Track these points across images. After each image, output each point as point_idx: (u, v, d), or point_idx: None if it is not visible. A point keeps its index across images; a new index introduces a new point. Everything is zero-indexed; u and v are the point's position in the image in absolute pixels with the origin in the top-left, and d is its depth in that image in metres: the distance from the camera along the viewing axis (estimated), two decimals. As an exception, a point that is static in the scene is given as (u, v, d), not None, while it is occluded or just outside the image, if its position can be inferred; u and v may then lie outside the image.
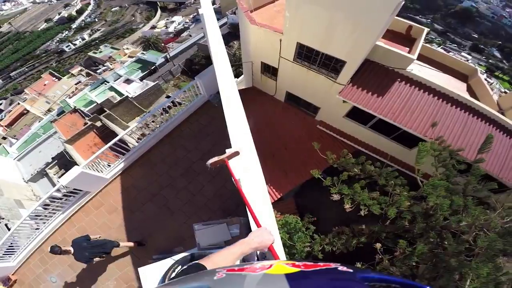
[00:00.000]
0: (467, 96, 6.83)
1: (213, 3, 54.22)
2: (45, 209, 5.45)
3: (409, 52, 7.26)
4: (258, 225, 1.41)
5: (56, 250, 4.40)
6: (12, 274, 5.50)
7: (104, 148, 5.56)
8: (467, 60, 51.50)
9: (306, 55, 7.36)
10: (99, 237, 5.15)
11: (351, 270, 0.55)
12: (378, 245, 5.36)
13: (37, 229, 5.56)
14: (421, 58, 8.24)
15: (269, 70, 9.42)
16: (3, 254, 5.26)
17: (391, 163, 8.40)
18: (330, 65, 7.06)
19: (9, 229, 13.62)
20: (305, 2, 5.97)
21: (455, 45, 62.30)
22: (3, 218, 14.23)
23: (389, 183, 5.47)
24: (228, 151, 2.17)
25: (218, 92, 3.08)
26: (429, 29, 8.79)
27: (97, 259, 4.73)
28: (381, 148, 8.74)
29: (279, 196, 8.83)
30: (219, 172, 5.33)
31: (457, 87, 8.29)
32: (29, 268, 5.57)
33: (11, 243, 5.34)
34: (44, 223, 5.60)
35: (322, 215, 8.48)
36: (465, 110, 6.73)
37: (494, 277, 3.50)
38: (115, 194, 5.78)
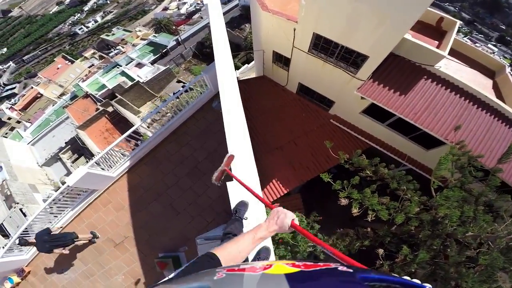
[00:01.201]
0: (494, 98, 6.20)
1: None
2: (56, 204, 5.55)
3: (438, 46, 6.57)
4: (272, 207, 1.31)
5: (22, 242, 4.88)
6: (26, 266, 5.73)
7: (118, 140, 5.51)
8: (493, 52, 48.93)
9: (323, 46, 6.75)
10: (60, 230, 5.33)
11: (351, 270, 0.55)
12: (381, 251, 5.25)
13: (49, 222, 5.67)
14: (447, 50, 7.52)
15: (281, 60, 8.89)
16: (17, 247, 5.45)
17: (406, 162, 8.03)
18: (350, 59, 6.47)
19: (23, 214, 14.41)
20: (324, -10, 5.33)
21: (482, 35, 59.35)
22: (17, 203, 14.87)
23: (401, 187, 5.25)
24: (224, 160, 2.25)
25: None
26: (461, 22, 7.96)
27: (58, 250, 5.03)
28: (396, 146, 8.29)
29: (285, 191, 8.63)
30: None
31: (483, 84, 7.63)
32: (41, 260, 5.78)
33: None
34: (56, 216, 5.70)
35: (328, 212, 8.34)
36: (491, 113, 6.15)
37: None
38: (122, 192, 5.79)
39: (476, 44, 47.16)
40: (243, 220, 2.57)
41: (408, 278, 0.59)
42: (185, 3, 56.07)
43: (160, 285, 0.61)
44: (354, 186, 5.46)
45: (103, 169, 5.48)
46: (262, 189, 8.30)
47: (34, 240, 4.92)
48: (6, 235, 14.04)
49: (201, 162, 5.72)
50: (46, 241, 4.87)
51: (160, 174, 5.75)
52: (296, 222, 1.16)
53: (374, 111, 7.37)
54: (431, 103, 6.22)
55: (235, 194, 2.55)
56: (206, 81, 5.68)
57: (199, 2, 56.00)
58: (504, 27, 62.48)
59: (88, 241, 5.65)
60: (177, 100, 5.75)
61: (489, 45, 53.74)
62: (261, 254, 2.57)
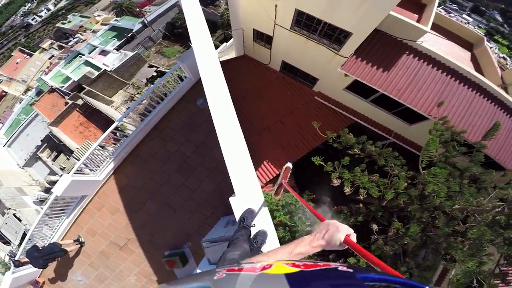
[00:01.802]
0: (475, 72, 6.30)
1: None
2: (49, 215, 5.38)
3: (418, 20, 6.50)
4: (322, 219, 1.18)
5: (16, 264, 5.03)
6: (39, 277, 5.72)
7: (98, 142, 5.19)
8: (468, 22, 49.39)
9: (305, 23, 6.46)
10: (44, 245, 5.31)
11: (351, 270, 0.55)
12: (375, 227, 5.57)
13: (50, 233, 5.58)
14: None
15: (263, 38, 8.47)
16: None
17: (392, 138, 8.30)
18: (333, 36, 6.27)
19: (18, 219, 13.93)
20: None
21: (456, 5, 58.83)
22: (9, 209, 14.40)
23: (388, 163, 5.45)
24: (281, 173, 2.12)
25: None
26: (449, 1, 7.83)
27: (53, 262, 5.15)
28: (380, 121, 8.46)
29: (277, 172, 8.74)
30: (215, 167, 5.12)
31: (461, 56, 7.77)
32: (53, 270, 5.77)
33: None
34: (51, 228, 5.57)
35: (320, 188, 8.59)
36: (473, 88, 6.27)
37: (478, 270, 3.72)
38: (113, 194, 5.65)
39: (451, 14, 47.50)
40: (251, 228, 2.54)
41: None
42: (146, -19, 51.04)
43: (161, 284, 0.62)
44: (344, 165, 5.60)
45: (91, 170, 5.26)
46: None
47: (27, 259, 4.94)
48: (7, 242, 13.92)
49: (189, 156, 5.56)
50: (38, 257, 4.89)
51: (149, 172, 5.57)
52: (353, 238, 0.97)
53: (358, 88, 7.36)
54: (413, 79, 6.26)
55: (239, 207, 2.49)
56: (184, 70, 5.29)
57: (163, -20, 51.17)
58: None
59: (78, 246, 5.65)
60: (153, 92, 5.38)
61: (464, 15, 54.19)
62: (258, 238, 2.58)
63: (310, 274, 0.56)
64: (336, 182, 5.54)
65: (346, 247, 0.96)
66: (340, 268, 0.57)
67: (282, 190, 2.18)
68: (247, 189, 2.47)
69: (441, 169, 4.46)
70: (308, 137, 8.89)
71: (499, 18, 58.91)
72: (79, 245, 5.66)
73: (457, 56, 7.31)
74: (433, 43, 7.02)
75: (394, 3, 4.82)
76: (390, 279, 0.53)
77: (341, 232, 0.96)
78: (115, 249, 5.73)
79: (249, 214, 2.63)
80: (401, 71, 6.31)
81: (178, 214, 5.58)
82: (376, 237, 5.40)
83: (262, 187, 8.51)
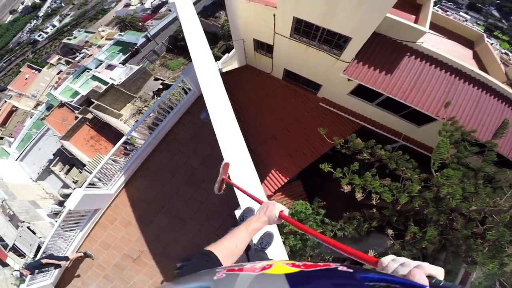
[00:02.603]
0: (479, 70, 6.23)
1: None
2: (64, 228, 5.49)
3: (415, 21, 6.51)
4: (260, 202, 1.42)
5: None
6: None
7: (110, 153, 5.30)
8: (466, 20, 48.90)
9: (304, 30, 6.55)
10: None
11: (351, 270, 0.55)
12: (390, 231, 5.43)
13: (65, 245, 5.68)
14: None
15: (263, 48, 8.61)
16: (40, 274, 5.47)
17: (401, 140, 8.18)
18: (333, 42, 6.34)
19: (32, 231, 14.24)
20: (302, -30, 5.04)
21: (452, 3, 58.33)
22: (23, 222, 14.69)
23: (400, 167, 5.35)
24: (221, 169, 2.29)
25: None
26: None
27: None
28: (388, 124, 8.39)
29: (285, 180, 8.70)
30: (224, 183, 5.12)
31: (463, 55, 7.70)
32: (67, 282, 5.84)
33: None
34: (65, 240, 5.66)
35: (331, 194, 8.42)
36: (478, 86, 6.18)
37: (500, 272, 3.65)
38: (125, 207, 5.74)
39: (448, 13, 47.12)
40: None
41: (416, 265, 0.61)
42: (148, -4, 52.78)
43: (162, 284, 0.61)
44: (354, 171, 5.52)
45: (103, 183, 5.36)
46: (262, 181, 8.33)
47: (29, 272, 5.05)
48: (22, 255, 14.15)
49: (197, 168, 5.63)
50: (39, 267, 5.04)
51: (159, 185, 5.65)
52: (286, 213, 1.22)
53: (362, 92, 7.36)
54: (417, 80, 6.22)
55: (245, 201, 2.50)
56: (187, 83, 5.42)
57: (163, -7, 52.77)
58: None
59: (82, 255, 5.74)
60: (160, 106, 5.50)
61: (461, 13, 53.84)
62: (264, 239, 2.58)
63: (310, 274, 0.56)
64: (347, 188, 5.47)
65: (283, 221, 1.19)
66: (340, 268, 0.57)
67: (224, 185, 2.27)
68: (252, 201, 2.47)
69: (454, 170, 4.38)
70: (315, 144, 8.86)
71: (497, 14, 58.01)
72: (82, 255, 5.73)
73: (459, 54, 7.23)
74: (433, 43, 6.99)
75: (390, 5, 4.84)
76: (390, 279, 0.54)
77: (276, 209, 1.20)
78: (129, 261, 5.78)
79: (249, 213, 2.63)
80: (404, 73, 6.29)
81: (189, 226, 5.61)
82: (392, 242, 5.28)
83: (271, 196, 8.46)
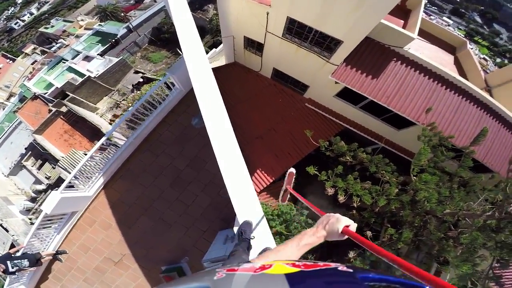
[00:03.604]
0: (460, 78, 6.50)
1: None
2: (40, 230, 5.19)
3: (404, 26, 6.68)
4: (321, 213, 1.26)
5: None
6: None
7: (90, 153, 5.04)
8: (448, 25, 50.85)
9: (297, 31, 6.50)
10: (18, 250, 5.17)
11: (351, 270, 0.55)
12: (369, 233, 5.61)
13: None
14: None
15: (254, 46, 8.46)
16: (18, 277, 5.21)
17: (381, 143, 8.44)
18: (324, 44, 6.34)
19: (5, 229, 13.31)
20: (299, -30, 4.91)
21: (436, 8, 60.83)
22: None
23: (379, 170, 5.53)
24: (285, 179, 2.26)
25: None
26: (426, 1, 8.04)
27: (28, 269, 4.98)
28: (370, 127, 8.61)
29: (271, 181, 8.72)
30: (210, 181, 5.02)
31: (445, 60, 8.00)
32: (45, 285, 5.61)
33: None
34: (42, 242, 5.33)
35: (313, 193, 8.47)
36: (459, 93, 6.46)
37: (472, 272, 3.82)
38: (105, 210, 5.50)
39: (431, 17, 49.04)
40: (250, 240, 2.49)
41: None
42: (131, -14, 50.30)
43: (161, 284, 0.61)
44: (337, 174, 5.62)
45: (80, 183, 5.04)
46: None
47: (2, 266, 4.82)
48: None
49: (183, 170, 5.45)
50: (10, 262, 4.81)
51: (140, 187, 5.42)
52: (353, 228, 1.05)
53: (347, 94, 7.47)
54: (402, 85, 6.41)
55: (242, 214, 2.41)
56: (174, 81, 5.17)
57: (149, -16, 50.59)
58: (458, 0, 64.56)
59: (53, 257, 5.51)
60: (142, 104, 5.22)
61: (444, 18, 55.84)
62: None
63: (310, 274, 0.56)
64: (330, 191, 5.57)
65: (346, 237, 1.02)
66: (340, 268, 0.57)
67: (287, 195, 2.19)
68: (247, 205, 2.41)
69: (432, 175, 4.56)
70: (300, 145, 8.92)
71: (479, 20, 61.07)
72: (54, 252, 5.48)
73: (441, 60, 7.52)
74: (417, 47, 7.20)
75: (385, 12, 4.88)
76: (390, 279, 0.53)
77: (341, 222, 1.04)
78: (110, 264, 5.59)
79: (247, 227, 2.59)
80: (389, 78, 6.45)
81: (174, 229, 5.48)
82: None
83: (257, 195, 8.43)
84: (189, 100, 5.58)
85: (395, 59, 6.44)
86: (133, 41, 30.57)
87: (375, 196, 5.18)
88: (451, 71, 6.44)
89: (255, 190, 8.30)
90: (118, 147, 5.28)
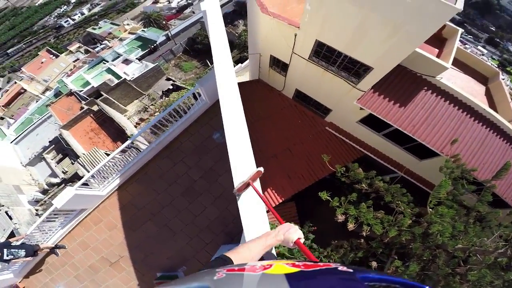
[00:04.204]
0: (490, 109, 6.20)
1: (219, -23, 50.38)
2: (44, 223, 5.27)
3: (438, 55, 6.49)
4: (282, 222, 1.43)
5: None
6: (19, 282, 5.57)
7: (114, 154, 5.14)
8: (483, 54, 50.03)
9: (324, 54, 6.46)
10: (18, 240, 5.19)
11: (351, 270, 0.55)
12: (374, 264, 5.25)
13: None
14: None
15: (279, 65, 8.58)
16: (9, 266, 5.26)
17: (401, 172, 8.03)
18: (353, 70, 6.23)
19: (9, 217, 13.78)
20: (335, -5, 4.88)
21: (471, 36, 60.28)
22: (2, 206, 14.30)
23: (395, 200, 5.25)
24: (251, 172, 2.25)
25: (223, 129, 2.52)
26: (463, 30, 7.83)
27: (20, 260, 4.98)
28: (390, 155, 8.28)
29: (280, 201, 8.50)
30: (221, 194, 4.97)
31: (476, 90, 7.67)
32: (35, 277, 5.62)
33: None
34: (44, 235, 5.41)
35: (321, 218, 8.10)
36: (487, 125, 6.17)
37: None
38: (114, 210, 5.54)
39: (466, 46, 47.99)
40: None
41: None
42: (176, -4, 54.15)
43: (161, 284, 0.57)
44: (350, 201, 5.42)
45: (96, 182, 5.14)
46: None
47: None
48: None
49: (196, 181, 5.45)
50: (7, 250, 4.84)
51: (153, 192, 5.45)
52: (302, 241, 1.22)
53: (372, 121, 7.26)
54: (429, 115, 6.15)
55: (250, 231, 2.27)
56: (201, 93, 5.30)
57: (190, -5, 54.35)
58: (494, 29, 63.65)
59: (50, 250, 5.55)
60: (169, 112, 5.34)
61: (479, 47, 54.98)
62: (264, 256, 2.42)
63: (310, 274, 0.56)
64: (341, 218, 5.36)
65: (296, 247, 1.19)
66: (340, 268, 0.57)
67: (245, 188, 2.25)
68: (255, 222, 2.30)
69: (449, 208, 4.36)
70: (315, 168, 8.71)
71: None
72: (53, 246, 5.51)
73: (472, 90, 7.23)
74: (449, 76, 6.97)
75: (421, 41, 4.71)
76: (390, 279, 0.53)
77: (297, 234, 1.20)
78: (105, 264, 5.56)
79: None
80: (418, 107, 6.21)
81: (177, 238, 5.40)
82: (375, 274, 5.11)
83: (280, 222, 8.25)
84: (212, 112, 5.66)
85: (425, 88, 6.22)
86: (170, 49, 32.24)
87: (387, 226, 4.96)
88: (481, 102, 6.20)
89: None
90: (139, 150, 5.40)
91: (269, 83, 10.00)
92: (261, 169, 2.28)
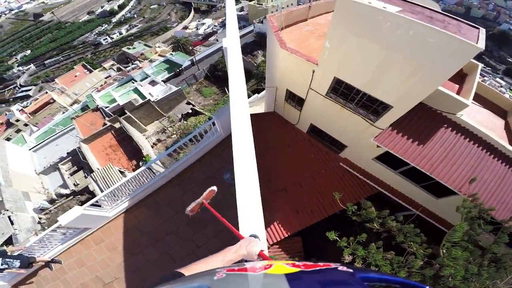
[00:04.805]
0: (510, 146, 5.90)
1: (241, 10, 54.86)
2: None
3: (459, 91, 6.36)
4: (241, 237, 1.41)
5: None
6: None
7: (130, 176, 5.23)
8: (501, 86, 49.45)
9: (343, 92, 6.47)
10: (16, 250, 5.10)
11: (351, 270, 0.56)
12: None
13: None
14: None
15: (294, 99, 8.68)
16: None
17: (415, 210, 7.56)
18: (372, 108, 6.18)
19: (11, 222, 13.92)
20: (354, 35, 4.93)
21: (489, 68, 59.98)
22: (7, 210, 14.46)
23: (407, 241, 4.85)
24: (204, 193, 2.31)
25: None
26: (482, 65, 7.73)
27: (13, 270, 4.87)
28: (406, 193, 7.87)
29: (286, 235, 8.07)
30: (225, 228, 4.77)
31: (495, 125, 7.33)
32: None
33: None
34: (42, 248, 5.36)
35: (326, 254, 7.91)
36: (506, 163, 5.83)
37: None
38: (117, 232, 5.48)
39: (485, 78, 47.33)
40: None
41: None
42: (203, 24, 58.70)
43: (161, 284, 0.63)
44: (359, 241, 5.09)
45: (106, 202, 5.15)
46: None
47: None
48: None
49: (203, 211, 5.29)
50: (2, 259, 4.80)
51: (159, 219, 5.41)
52: (266, 253, 1.21)
53: (388, 158, 6.99)
54: (448, 153, 5.89)
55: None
56: (217, 126, 5.41)
57: (216, 24, 58.86)
58: (511, 60, 63.19)
59: (45, 264, 5.42)
60: (187, 141, 5.46)
61: (497, 79, 54.56)
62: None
63: (310, 274, 0.56)
64: (348, 258, 4.98)
65: (261, 259, 1.16)
66: (340, 268, 0.57)
67: (199, 209, 2.30)
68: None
69: (463, 250, 4.10)
70: (325, 204, 8.38)
71: None
72: (49, 260, 5.40)
73: (491, 124, 6.93)
74: (469, 111, 6.71)
75: (443, 80, 4.62)
76: (390, 279, 0.53)
77: (258, 246, 1.18)
78: (99, 284, 5.39)
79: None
80: (437, 145, 5.97)
81: (177, 266, 5.03)
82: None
83: (268, 248, 7.84)
84: (225, 144, 5.72)
85: (445, 125, 6.02)
86: (193, 74, 34.13)
87: (396, 267, 4.61)
88: (500, 137, 5.99)
89: (267, 242, 7.72)
90: (154, 173, 5.45)
91: (284, 116, 10.11)
92: (214, 188, 2.34)
